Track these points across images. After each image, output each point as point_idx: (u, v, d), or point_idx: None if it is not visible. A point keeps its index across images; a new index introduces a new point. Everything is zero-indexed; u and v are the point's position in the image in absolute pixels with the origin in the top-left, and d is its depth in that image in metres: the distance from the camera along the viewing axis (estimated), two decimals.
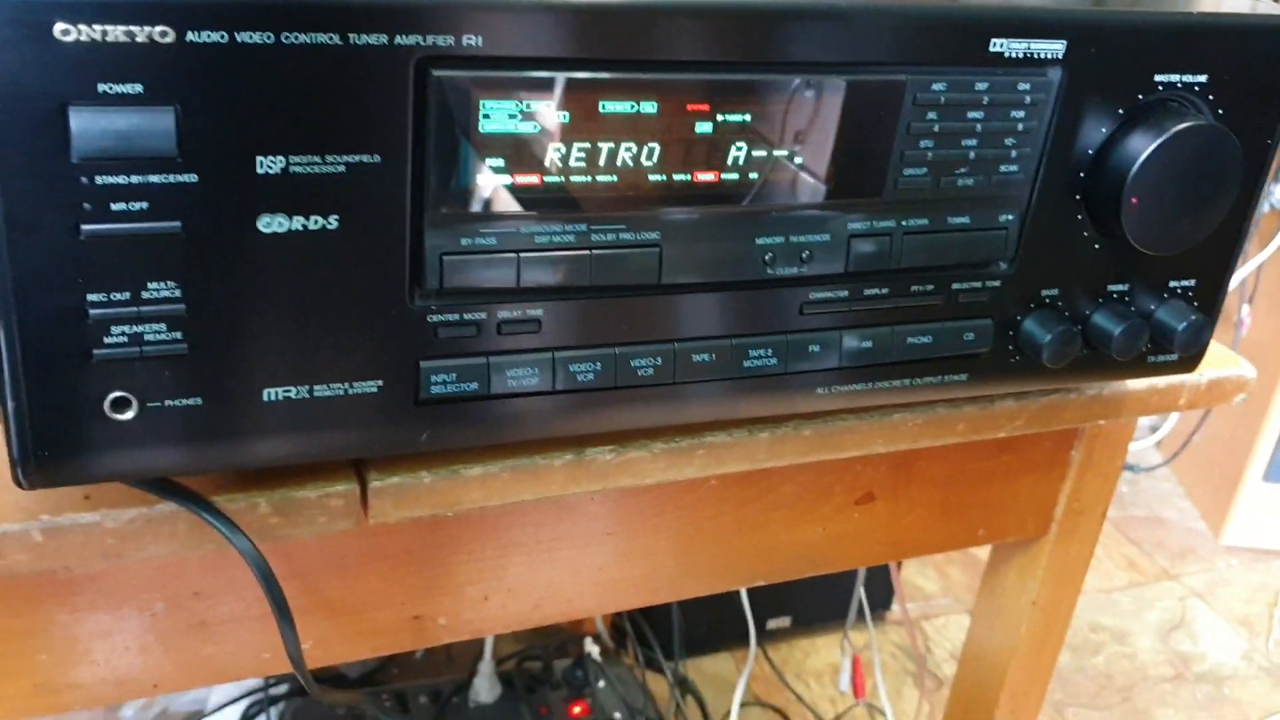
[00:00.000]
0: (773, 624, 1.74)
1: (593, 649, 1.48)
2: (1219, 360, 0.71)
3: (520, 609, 0.63)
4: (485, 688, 1.40)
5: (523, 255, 0.47)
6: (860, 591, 1.51)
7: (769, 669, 1.72)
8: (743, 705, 1.59)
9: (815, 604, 1.74)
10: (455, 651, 1.59)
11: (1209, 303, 0.62)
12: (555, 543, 0.62)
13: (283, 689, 1.43)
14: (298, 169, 0.42)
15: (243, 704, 1.44)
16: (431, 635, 0.62)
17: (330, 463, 0.52)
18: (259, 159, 0.42)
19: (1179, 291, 0.61)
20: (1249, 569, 2.14)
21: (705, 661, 1.71)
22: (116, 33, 0.38)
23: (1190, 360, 0.63)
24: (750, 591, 1.49)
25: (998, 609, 0.85)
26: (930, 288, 0.56)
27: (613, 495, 0.63)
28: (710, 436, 0.58)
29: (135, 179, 0.40)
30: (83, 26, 0.37)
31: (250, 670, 0.58)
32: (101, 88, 0.38)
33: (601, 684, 1.44)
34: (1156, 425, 2.38)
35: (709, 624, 1.66)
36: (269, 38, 0.40)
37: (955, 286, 0.56)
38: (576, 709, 1.40)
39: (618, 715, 1.40)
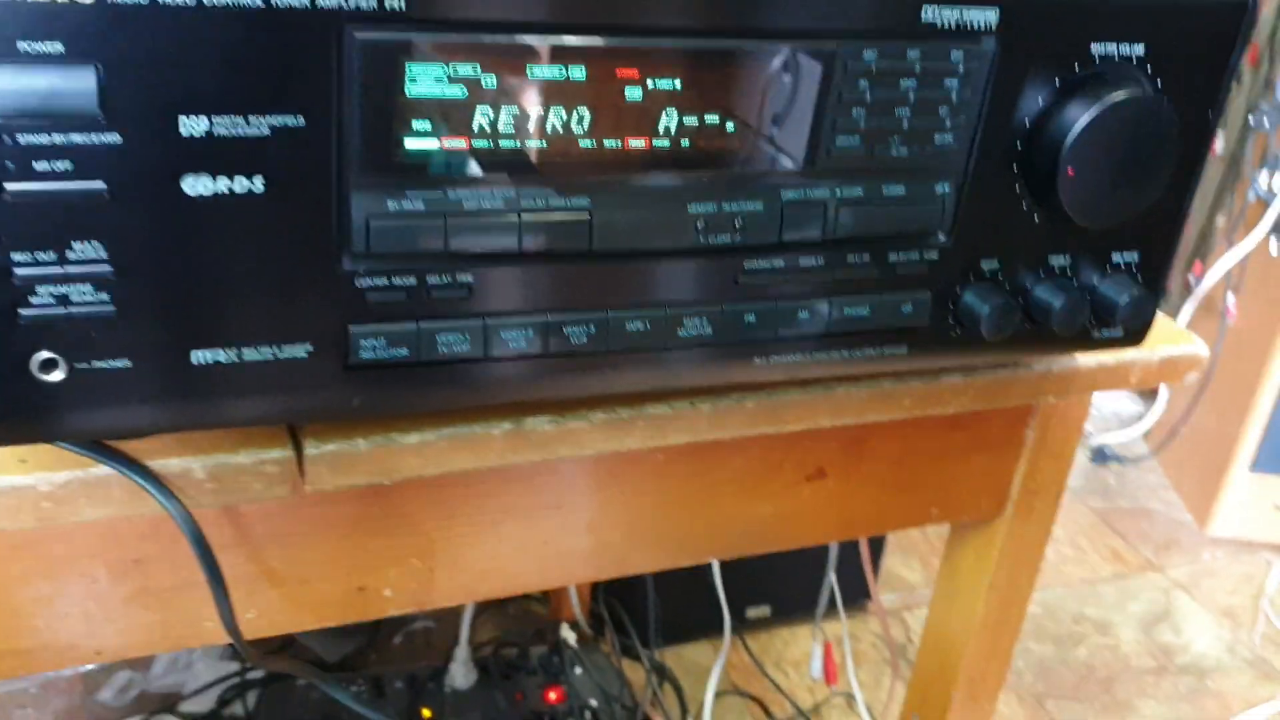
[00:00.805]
0: (752, 613, 1.74)
1: (569, 635, 1.48)
2: (1171, 337, 0.71)
3: (466, 580, 0.63)
4: (461, 674, 1.40)
5: (450, 220, 0.47)
6: (832, 578, 1.51)
7: (748, 658, 1.72)
8: (720, 694, 1.60)
9: (795, 594, 1.74)
10: (433, 638, 1.60)
11: (1153, 277, 0.62)
12: (501, 514, 0.62)
13: (259, 674, 1.44)
14: (221, 130, 0.42)
15: (219, 689, 1.44)
16: (376, 607, 0.62)
17: (267, 429, 0.52)
18: (182, 119, 0.42)
19: (1122, 266, 0.61)
20: (1234, 561, 2.14)
21: (685, 650, 1.71)
22: None
23: (1134, 335, 0.63)
24: (729, 580, 1.49)
25: (955, 591, 0.85)
26: (866, 258, 0.55)
27: (558, 468, 0.63)
28: (651, 408, 0.58)
29: (58, 138, 0.40)
30: None
31: (193, 638, 0.59)
32: (22, 46, 0.39)
33: (578, 670, 1.44)
34: (1142, 416, 2.39)
35: (688, 612, 1.66)
36: None
37: (892, 258, 0.56)
38: (552, 695, 1.40)
39: (594, 702, 1.40)
